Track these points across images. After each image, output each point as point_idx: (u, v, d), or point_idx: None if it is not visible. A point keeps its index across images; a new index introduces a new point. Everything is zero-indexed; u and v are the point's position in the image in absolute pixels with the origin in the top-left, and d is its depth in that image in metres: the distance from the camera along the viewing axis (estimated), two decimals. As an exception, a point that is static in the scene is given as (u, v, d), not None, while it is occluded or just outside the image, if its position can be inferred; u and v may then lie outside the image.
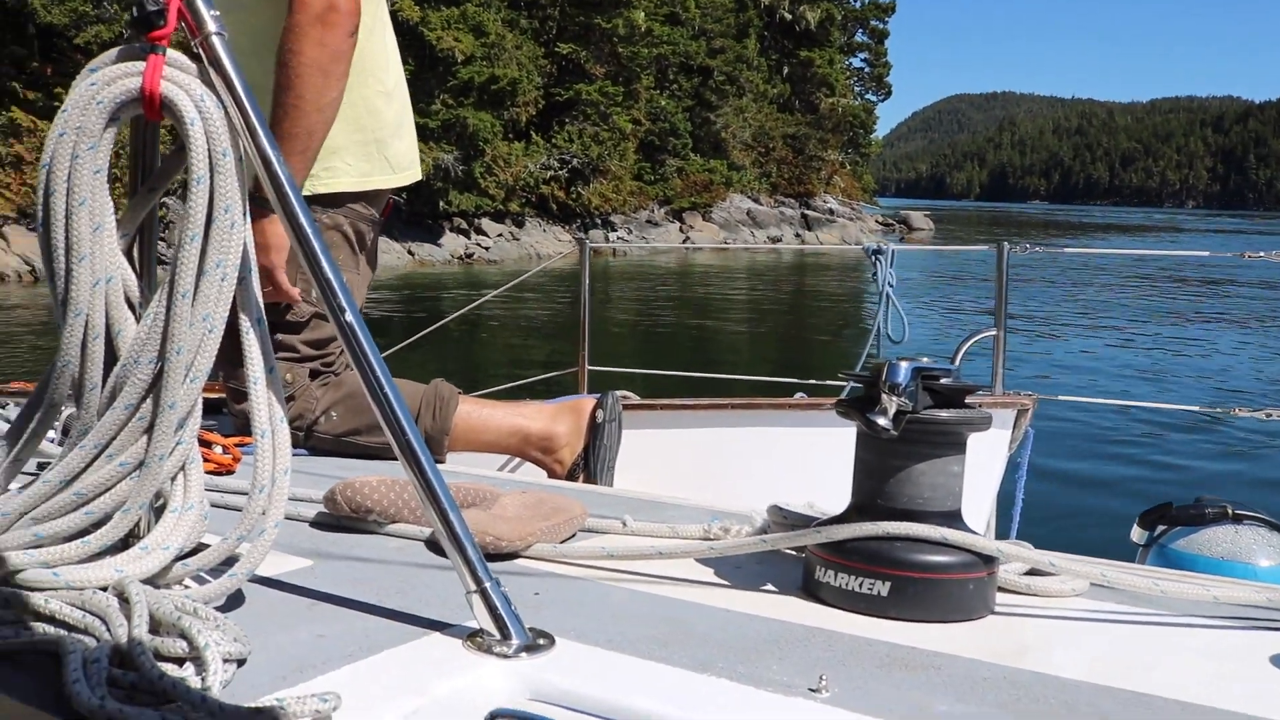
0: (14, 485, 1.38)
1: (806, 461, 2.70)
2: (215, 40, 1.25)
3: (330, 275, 1.24)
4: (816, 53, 54.50)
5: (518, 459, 2.69)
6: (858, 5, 62.19)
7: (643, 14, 37.59)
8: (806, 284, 28.60)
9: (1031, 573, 1.51)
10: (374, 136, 2.44)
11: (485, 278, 25.20)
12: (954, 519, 1.43)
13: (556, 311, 18.67)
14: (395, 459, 2.13)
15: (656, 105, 40.34)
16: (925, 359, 1.45)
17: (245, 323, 1.29)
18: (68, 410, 2.40)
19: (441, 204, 30.63)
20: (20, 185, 28.46)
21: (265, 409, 1.28)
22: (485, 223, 32.80)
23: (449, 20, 30.87)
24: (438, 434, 2.43)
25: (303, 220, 1.25)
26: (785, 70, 54.35)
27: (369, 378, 1.24)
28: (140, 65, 1.23)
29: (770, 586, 1.50)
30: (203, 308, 1.23)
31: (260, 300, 1.31)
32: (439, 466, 2.37)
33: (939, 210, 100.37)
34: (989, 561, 1.40)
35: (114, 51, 1.25)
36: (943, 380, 1.43)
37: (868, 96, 64.42)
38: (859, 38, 63.69)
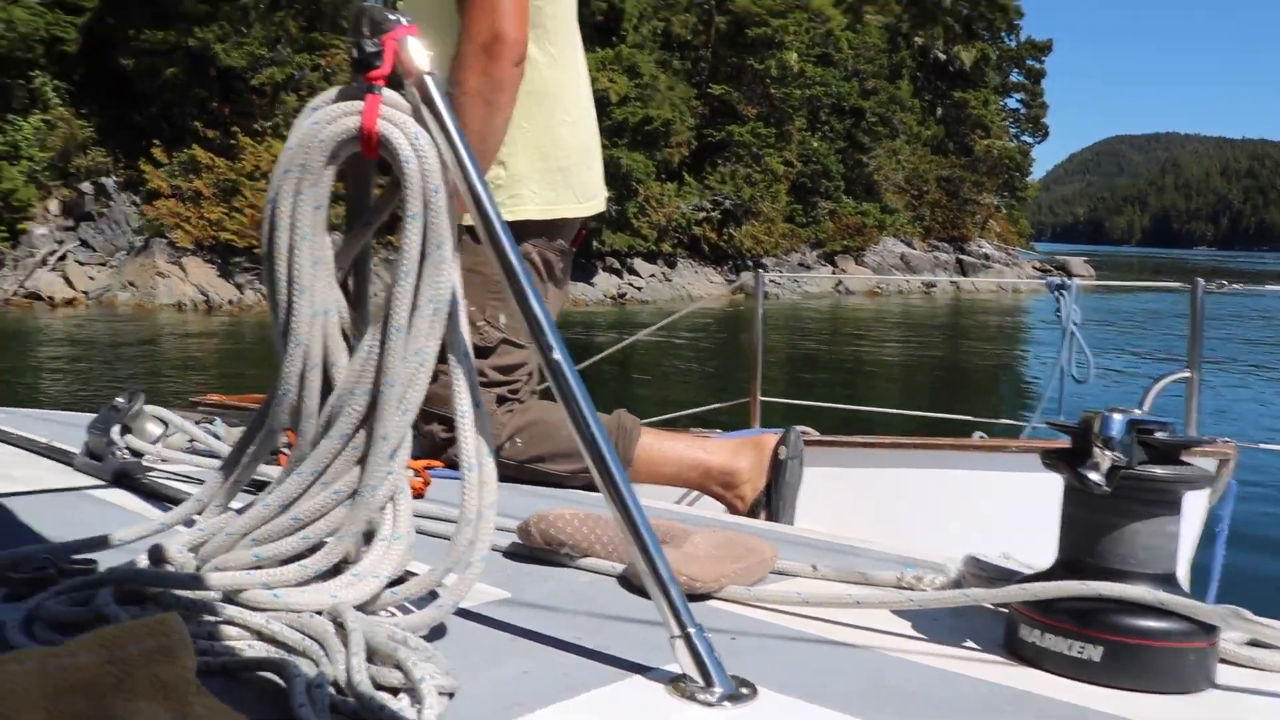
0: (234, 504, 1.44)
1: (989, 506, 2.61)
2: (428, 80, 1.28)
3: (538, 312, 1.25)
4: (971, 94, 53.63)
5: (697, 492, 2.67)
6: (1013, 45, 60.99)
7: (795, 55, 37.65)
8: (965, 327, 27.90)
9: (1254, 644, 1.41)
10: (559, 165, 2.46)
11: (638, 317, 25.39)
12: (1169, 582, 1.35)
13: (711, 351, 18.63)
14: (577, 487, 2.13)
15: (809, 146, 40.21)
16: (1137, 411, 1.38)
17: (453, 358, 1.31)
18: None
19: (595, 243, 31.09)
20: (199, 219, 30.10)
21: (473, 443, 1.30)
22: (638, 263, 33.13)
23: (604, 61, 31.47)
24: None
25: (511, 257, 1.26)
26: (939, 111, 53.60)
27: (576, 414, 1.24)
28: (359, 105, 1.27)
29: (971, 643, 1.44)
30: (415, 342, 1.25)
31: (467, 335, 1.33)
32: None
33: (1098, 256, 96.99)
34: (1210, 631, 1.32)
35: (333, 91, 1.30)
36: (1158, 434, 1.36)
37: (1024, 138, 63.02)
38: (1015, 78, 62.39)
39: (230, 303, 29.50)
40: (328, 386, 1.31)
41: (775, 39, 36.76)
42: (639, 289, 32.23)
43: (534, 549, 1.74)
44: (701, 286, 33.95)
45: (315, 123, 1.26)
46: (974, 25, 52.93)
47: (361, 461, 1.28)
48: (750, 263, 36.02)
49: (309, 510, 1.29)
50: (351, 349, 1.32)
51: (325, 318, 1.29)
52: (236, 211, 30.30)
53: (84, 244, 30.83)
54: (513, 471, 2.44)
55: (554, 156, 2.45)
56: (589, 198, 2.55)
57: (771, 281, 33.98)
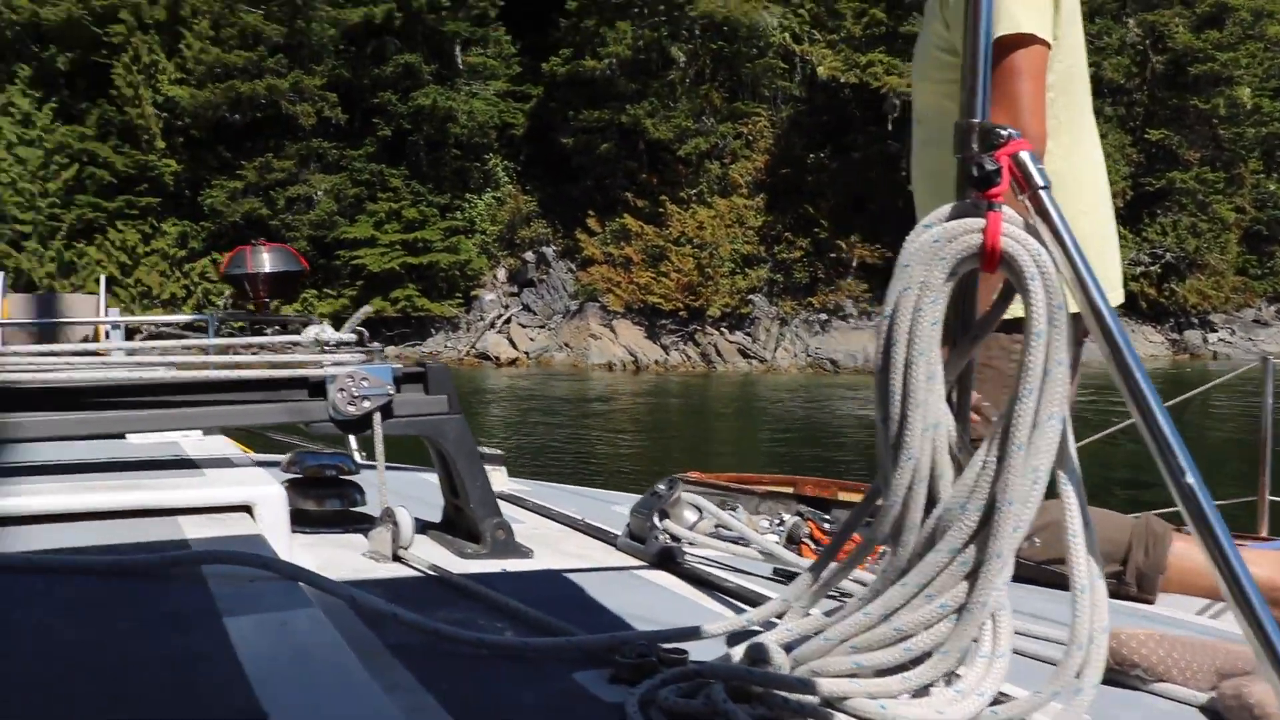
0: (815, 610, 1.48)
1: None
2: (1043, 195, 1.27)
3: (1167, 432, 1.19)
4: None
5: (1220, 604, 2.46)
6: None
7: (1248, 90, 34.38)
8: None
9: None
10: None
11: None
12: None
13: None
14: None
15: (1264, 190, 36.50)
16: None
17: (1063, 475, 1.28)
18: (763, 517, 2.58)
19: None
20: (629, 283, 32.10)
21: (1085, 564, 1.26)
22: (1067, 321, 31.49)
23: (1029, 112, 30.31)
24: (1151, 572, 2.30)
25: (1138, 377, 1.21)
26: None
27: (1209, 540, 1.17)
28: (978, 222, 1.27)
29: None
30: (1034, 459, 1.24)
31: (1075, 452, 1.29)
32: (1146, 609, 2.23)
33: None
34: None
35: (947, 208, 1.31)
36: None
37: None
38: None
39: (656, 363, 31.12)
40: (931, 501, 1.32)
41: (1223, 75, 33.85)
42: (1071, 350, 30.63)
43: None
44: (1139, 346, 31.68)
45: (935, 240, 1.29)
46: None
47: (970, 576, 1.27)
48: (1195, 320, 33.20)
49: (912, 622, 1.30)
50: (956, 463, 1.32)
51: (935, 431, 1.30)
52: (663, 275, 32.01)
53: (526, 308, 33.89)
54: (1029, 572, 2.36)
55: None
56: (1107, 290, 2.45)
57: (1221, 341, 31.11)
